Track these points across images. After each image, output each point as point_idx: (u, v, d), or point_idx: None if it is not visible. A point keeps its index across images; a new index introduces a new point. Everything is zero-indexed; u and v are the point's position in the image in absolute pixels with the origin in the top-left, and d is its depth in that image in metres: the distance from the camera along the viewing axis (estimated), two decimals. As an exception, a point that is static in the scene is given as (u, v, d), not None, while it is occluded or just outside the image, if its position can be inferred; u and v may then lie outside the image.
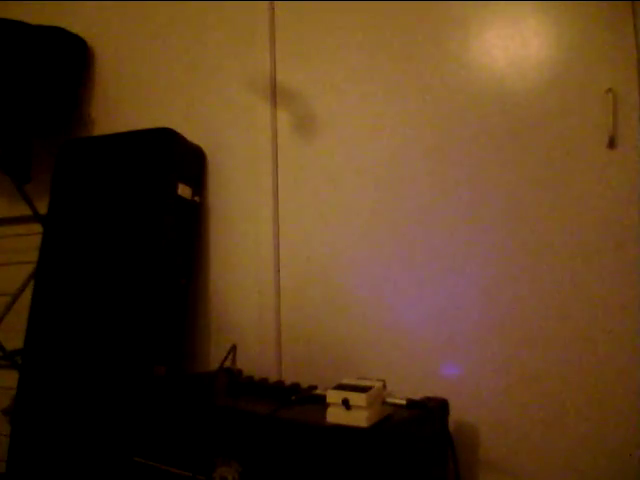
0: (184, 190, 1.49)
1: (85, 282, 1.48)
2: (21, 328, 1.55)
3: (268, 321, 1.49)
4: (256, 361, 1.48)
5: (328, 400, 0.96)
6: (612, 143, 1.14)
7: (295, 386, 1.24)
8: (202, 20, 1.64)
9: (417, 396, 1.11)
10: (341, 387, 0.97)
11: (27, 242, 1.81)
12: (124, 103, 1.77)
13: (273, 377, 1.40)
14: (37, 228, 1.74)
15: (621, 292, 1.13)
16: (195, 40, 1.65)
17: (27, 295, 1.63)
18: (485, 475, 1.23)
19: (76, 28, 1.78)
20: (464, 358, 1.26)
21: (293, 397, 1.12)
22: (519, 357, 1.21)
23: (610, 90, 1.13)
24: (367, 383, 0.98)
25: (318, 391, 1.17)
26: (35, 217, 1.77)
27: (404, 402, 1.06)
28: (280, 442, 0.98)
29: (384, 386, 1.02)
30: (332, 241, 1.44)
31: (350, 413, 0.93)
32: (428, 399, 1.13)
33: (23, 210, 1.79)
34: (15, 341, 1.62)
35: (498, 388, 1.23)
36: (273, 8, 1.54)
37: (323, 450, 0.93)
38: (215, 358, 1.55)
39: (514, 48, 1.25)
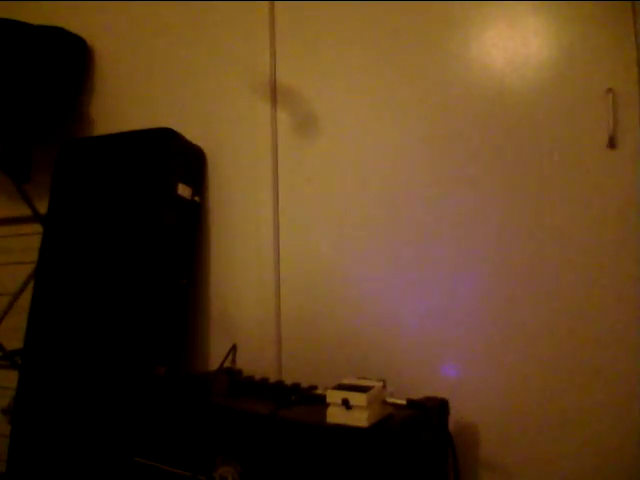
0: (184, 190, 1.49)
1: (85, 282, 1.47)
2: (21, 328, 1.55)
3: (268, 321, 1.49)
4: (256, 361, 1.48)
5: (328, 400, 0.96)
6: (612, 143, 1.14)
7: (295, 386, 1.24)
8: (202, 20, 1.64)
9: (417, 396, 1.11)
10: (341, 387, 0.97)
11: (27, 242, 1.81)
12: (124, 103, 1.77)
13: (273, 377, 1.40)
14: (37, 228, 1.73)
15: (622, 292, 1.13)
16: (195, 40, 1.65)
17: (27, 295, 1.63)
18: (485, 475, 1.23)
19: (76, 28, 1.77)
20: (464, 358, 1.26)
21: (293, 397, 1.12)
22: (520, 357, 1.21)
23: (610, 90, 1.13)
24: (367, 383, 0.98)
25: (318, 391, 1.17)
26: (35, 217, 1.77)
27: (404, 402, 1.06)
28: (280, 442, 0.98)
29: (384, 386, 1.02)
30: (332, 240, 1.44)
31: (350, 413, 0.93)
32: (428, 399, 1.13)
33: (23, 210, 1.79)
34: (15, 341, 1.62)
35: (498, 388, 1.23)
36: (273, 8, 1.54)
37: (323, 450, 0.93)
38: (215, 358, 1.55)
39: (514, 48, 1.25)
